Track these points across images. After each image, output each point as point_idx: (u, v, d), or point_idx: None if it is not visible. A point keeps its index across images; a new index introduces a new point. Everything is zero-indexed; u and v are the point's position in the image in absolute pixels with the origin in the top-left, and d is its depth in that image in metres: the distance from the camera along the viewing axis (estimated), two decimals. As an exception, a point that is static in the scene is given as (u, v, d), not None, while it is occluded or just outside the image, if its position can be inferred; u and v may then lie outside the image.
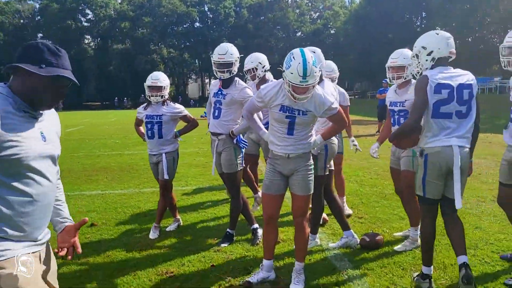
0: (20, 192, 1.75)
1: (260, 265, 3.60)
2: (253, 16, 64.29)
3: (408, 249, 4.11)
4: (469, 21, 39.56)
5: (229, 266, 3.86)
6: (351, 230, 4.33)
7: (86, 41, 69.07)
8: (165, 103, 4.79)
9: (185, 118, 4.86)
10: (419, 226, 3.91)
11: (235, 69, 4.37)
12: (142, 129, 5.01)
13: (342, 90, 5.29)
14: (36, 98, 1.81)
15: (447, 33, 3.35)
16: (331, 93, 3.64)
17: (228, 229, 4.51)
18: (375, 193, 6.40)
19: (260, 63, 4.97)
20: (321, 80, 3.85)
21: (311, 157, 3.45)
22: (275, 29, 64.44)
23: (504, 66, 3.52)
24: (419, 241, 4.08)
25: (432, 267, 3.38)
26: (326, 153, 4.05)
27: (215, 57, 4.31)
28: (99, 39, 67.73)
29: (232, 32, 63.69)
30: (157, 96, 4.69)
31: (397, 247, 4.18)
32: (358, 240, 4.27)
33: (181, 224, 5.09)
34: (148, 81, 4.71)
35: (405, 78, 4.18)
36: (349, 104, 5.34)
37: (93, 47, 68.06)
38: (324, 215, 5.03)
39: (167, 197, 4.86)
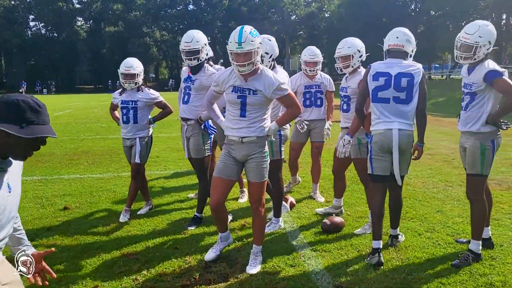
0: None
1: (218, 238, 3.77)
2: (247, -1, 63.71)
3: (368, 232, 4.25)
4: (463, 5, 39.37)
5: (191, 248, 3.98)
6: (280, 218, 4.52)
7: (79, 24, 68.30)
8: (140, 89, 4.86)
9: (159, 104, 4.94)
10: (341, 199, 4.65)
11: (203, 55, 4.41)
12: (117, 113, 5.09)
13: (327, 75, 5.60)
14: (12, 154, 1.81)
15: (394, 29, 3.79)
16: (283, 78, 3.67)
17: (195, 213, 4.63)
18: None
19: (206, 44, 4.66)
20: (273, 67, 4.12)
21: (266, 144, 3.53)
22: (270, 12, 63.89)
23: (456, 58, 3.61)
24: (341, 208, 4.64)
25: (381, 241, 3.60)
26: (280, 137, 4.28)
27: (182, 45, 4.36)
28: (91, 21, 66.90)
29: (226, 14, 63.11)
30: (130, 83, 4.76)
31: (356, 231, 4.32)
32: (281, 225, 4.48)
33: (153, 207, 5.19)
34: (122, 68, 4.76)
35: (352, 66, 4.34)
36: (333, 89, 5.56)
37: (86, 29, 67.32)
38: (291, 199, 5.16)
39: (139, 181, 4.94)
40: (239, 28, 3.30)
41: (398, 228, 3.97)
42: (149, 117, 4.94)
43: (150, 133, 4.98)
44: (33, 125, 1.75)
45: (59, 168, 7.62)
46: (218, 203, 3.54)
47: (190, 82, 4.46)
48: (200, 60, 4.39)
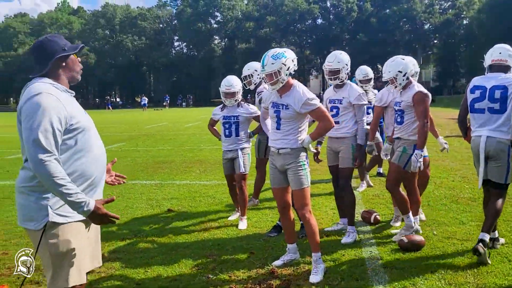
0: None
1: (286, 249, 3.99)
2: (377, 9, 62.19)
3: (402, 236, 4.30)
4: None
5: (265, 254, 4.21)
6: (353, 226, 4.63)
7: (216, 42, 73.76)
8: (240, 105, 5.21)
9: (257, 117, 5.14)
10: (411, 213, 4.42)
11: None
12: (216, 129, 5.55)
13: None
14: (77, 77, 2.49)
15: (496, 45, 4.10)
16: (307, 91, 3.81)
17: (278, 221, 4.86)
18: (448, 196, 6.13)
19: (256, 70, 5.31)
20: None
21: (302, 154, 3.74)
22: (401, 22, 61.50)
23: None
24: (415, 226, 4.45)
25: (486, 234, 3.80)
26: (354, 147, 4.58)
27: (223, 87, 5.09)
28: (226, 39, 71.82)
29: (354, 27, 62.52)
30: (231, 100, 5.14)
31: (394, 237, 4.48)
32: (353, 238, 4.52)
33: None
34: (223, 87, 5.11)
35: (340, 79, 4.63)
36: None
37: (221, 47, 72.33)
38: (376, 214, 5.09)
39: (244, 190, 5.20)
40: (265, 53, 3.70)
41: (496, 232, 4.17)
42: (249, 131, 5.29)
43: (250, 144, 5.33)
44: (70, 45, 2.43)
45: (174, 174, 8.49)
46: (282, 207, 3.90)
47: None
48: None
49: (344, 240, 4.51)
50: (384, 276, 3.64)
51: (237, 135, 5.15)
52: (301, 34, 66.91)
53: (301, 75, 67.86)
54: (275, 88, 3.68)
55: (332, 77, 4.62)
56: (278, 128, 3.76)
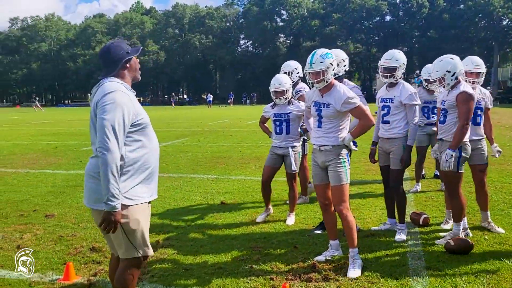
0: None
1: (329, 245, 4.13)
2: (451, 5, 59.30)
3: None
4: None
5: (308, 249, 4.33)
6: (405, 224, 4.71)
7: (281, 40, 73.99)
8: (290, 102, 5.27)
9: None
10: (461, 222, 4.35)
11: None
12: (267, 126, 5.70)
13: (486, 91, 5.10)
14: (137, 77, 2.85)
15: None
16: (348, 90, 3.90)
17: None
18: (506, 201, 5.88)
19: (296, 69, 5.69)
20: (340, 80, 4.54)
21: (343, 152, 3.86)
22: (476, 18, 58.18)
23: None
24: (464, 231, 4.46)
25: None
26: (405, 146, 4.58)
27: (272, 87, 5.12)
28: (291, 37, 71.87)
29: (425, 23, 60.10)
30: (281, 99, 5.18)
31: (438, 241, 4.45)
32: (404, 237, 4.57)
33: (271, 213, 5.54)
34: (272, 86, 5.13)
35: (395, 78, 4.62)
36: (490, 106, 5.02)
37: (286, 45, 72.44)
38: (425, 215, 5.04)
39: (294, 187, 5.36)
40: (313, 52, 3.85)
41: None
42: (299, 129, 5.30)
43: (300, 143, 5.40)
44: (133, 48, 2.81)
45: (231, 169, 8.79)
46: (324, 204, 4.04)
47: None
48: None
49: (397, 237, 4.55)
50: (425, 277, 3.64)
51: (288, 132, 5.20)
52: (368, 31, 65.34)
53: (367, 73, 66.48)
54: (319, 87, 3.80)
55: (388, 74, 4.57)
56: (319, 126, 3.91)
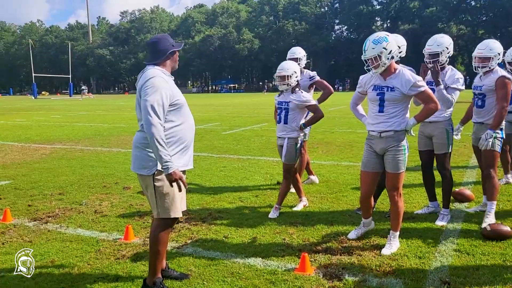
0: None
1: (361, 223, 4.29)
2: None
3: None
4: None
5: (344, 227, 4.56)
6: (448, 209, 4.74)
7: (377, 24, 71.48)
8: (294, 91, 4.94)
9: (310, 107, 4.99)
10: (495, 202, 4.50)
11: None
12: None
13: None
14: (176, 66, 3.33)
15: None
16: (415, 74, 3.84)
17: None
18: None
19: (295, 72, 4.93)
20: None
21: (404, 138, 3.84)
22: None
23: None
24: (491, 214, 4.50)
25: None
26: (449, 132, 4.59)
27: (277, 72, 4.91)
28: (388, 20, 69.04)
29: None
30: (283, 84, 4.88)
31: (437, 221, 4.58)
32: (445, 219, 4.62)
33: (307, 205, 5.40)
34: (277, 72, 4.92)
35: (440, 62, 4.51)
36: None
37: (383, 29, 69.77)
38: (469, 192, 5.05)
39: (288, 180, 5.12)
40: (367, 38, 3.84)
41: None
42: (301, 122, 4.98)
43: (301, 135, 5.02)
44: (176, 43, 3.32)
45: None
46: (367, 195, 4.08)
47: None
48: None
49: (438, 222, 4.58)
50: (448, 258, 3.70)
51: (286, 122, 4.94)
52: (475, 11, 60.46)
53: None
54: (378, 72, 3.76)
55: (432, 60, 4.52)
56: (381, 111, 3.82)
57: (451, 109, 4.59)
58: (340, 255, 3.84)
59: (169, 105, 3.07)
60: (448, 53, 4.54)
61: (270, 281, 3.37)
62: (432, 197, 4.90)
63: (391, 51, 3.68)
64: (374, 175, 4.00)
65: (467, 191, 5.39)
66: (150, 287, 3.18)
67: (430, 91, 3.79)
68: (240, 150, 9.71)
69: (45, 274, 3.57)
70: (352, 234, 4.24)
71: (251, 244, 4.15)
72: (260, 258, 3.81)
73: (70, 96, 62.84)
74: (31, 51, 67.23)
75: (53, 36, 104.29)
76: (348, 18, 69.50)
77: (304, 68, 6.08)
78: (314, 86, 6.06)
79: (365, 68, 3.83)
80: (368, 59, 3.74)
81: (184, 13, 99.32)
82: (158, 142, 2.92)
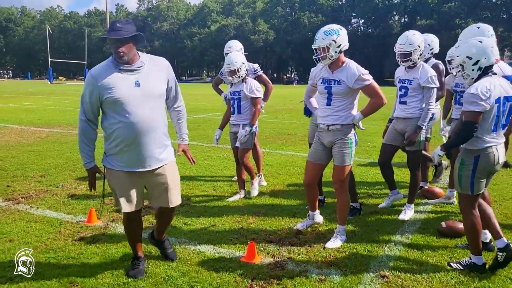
0: None
1: (307, 215, 4.34)
2: None
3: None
4: None
5: (304, 217, 4.60)
6: (412, 205, 4.74)
7: (395, 18, 70.51)
8: (245, 81, 5.14)
9: (253, 100, 5.15)
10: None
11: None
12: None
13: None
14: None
15: None
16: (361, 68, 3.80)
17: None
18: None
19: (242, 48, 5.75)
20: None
21: (351, 132, 3.84)
22: None
23: None
24: None
25: None
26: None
27: (224, 67, 5.18)
28: (406, 16, 68.06)
29: None
30: (233, 77, 5.09)
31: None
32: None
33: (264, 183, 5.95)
34: (224, 67, 5.20)
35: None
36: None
37: (399, 24, 68.85)
38: (439, 189, 5.10)
39: (241, 165, 5.38)
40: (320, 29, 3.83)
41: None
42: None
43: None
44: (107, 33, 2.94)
45: (286, 145, 9.16)
46: (308, 183, 4.11)
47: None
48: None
49: (401, 216, 4.60)
50: (396, 253, 3.71)
51: (239, 112, 5.19)
52: (495, 8, 59.22)
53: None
54: (324, 63, 3.77)
55: (404, 60, 4.48)
56: (328, 104, 3.83)
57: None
58: (291, 245, 3.88)
59: (103, 101, 2.96)
60: (420, 50, 4.49)
61: (214, 267, 3.44)
62: (391, 186, 4.89)
63: (340, 45, 3.70)
64: (319, 166, 4.04)
65: (437, 188, 5.38)
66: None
67: (376, 85, 3.75)
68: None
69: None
70: (299, 225, 4.29)
71: (207, 232, 4.22)
72: (212, 245, 3.88)
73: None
74: (47, 36, 68.02)
75: (72, 22, 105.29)
76: (365, 12, 68.69)
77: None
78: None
79: (313, 57, 3.81)
80: (317, 49, 3.74)
81: (201, 2, 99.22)
82: (79, 137, 3.07)
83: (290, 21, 75.31)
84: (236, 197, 5.34)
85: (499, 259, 3.29)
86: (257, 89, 5.13)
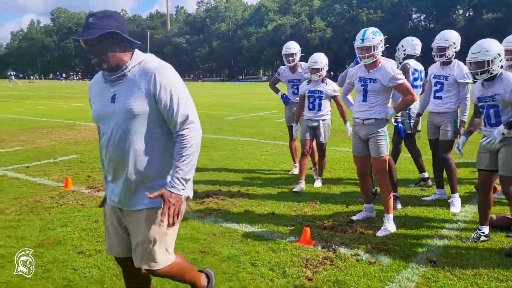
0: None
1: (363, 208, 4.62)
2: None
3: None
4: None
5: (358, 208, 4.87)
6: (457, 193, 4.89)
7: (459, 12, 67.63)
8: (324, 81, 5.71)
9: (336, 98, 5.75)
10: None
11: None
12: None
13: None
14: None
15: None
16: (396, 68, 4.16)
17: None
18: None
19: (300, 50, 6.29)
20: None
21: (385, 126, 4.21)
22: None
23: None
24: None
25: None
26: (456, 121, 4.82)
27: (309, 63, 5.65)
28: (471, 9, 65.06)
29: None
30: (315, 75, 5.59)
31: None
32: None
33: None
34: (309, 63, 5.62)
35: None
36: None
37: (464, 18, 65.95)
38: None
39: (307, 157, 5.87)
40: (363, 30, 4.17)
41: None
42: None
43: (330, 117, 5.87)
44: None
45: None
46: (361, 174, 4.47)
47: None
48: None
49: (452, 209, 4.76)
50: (445, 242, 3.91)
51: (319, 109, 5.69)
52: None
53: None
54: (367, 62, 4.10)
55: (438, 54, 4.79)
56: (364, 101, 4.22)
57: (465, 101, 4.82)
58: (344, 233, 4.18)
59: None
60: (455, 48, 4.78)
61: (272, 249, 3.81)
62: (439, 184, 5.15)
63: (383, 46, 4.10)
64: (364, 157, 4.39)
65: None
66: None
67: (408, 84, 4.12)
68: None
69: (88, 229, 4.29)
70: (354, 217, 4.58)
71: (266, 218, 4.61)
72: (270, 230, 4.26)
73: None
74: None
75: (135, 25, 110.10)
76: (426, 6, 66.46)
77: (300, 61, 6.49)
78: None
79: (359, 55, 4.14)
80: (363, 47, 4.05)
81: (258, 1, 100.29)
82: None
83: (347, 18, 74.44)
84: (300, 187, 5.69)
85: None
86: (338, 89, 5.64)
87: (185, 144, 2.14)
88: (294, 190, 5.63)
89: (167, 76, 2.15)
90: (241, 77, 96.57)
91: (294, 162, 6.72)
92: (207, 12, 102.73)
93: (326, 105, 5.73)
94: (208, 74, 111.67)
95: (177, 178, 2.13)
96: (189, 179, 2.17)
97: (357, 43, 4.10)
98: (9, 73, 56.10)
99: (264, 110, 17.79)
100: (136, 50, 2.21)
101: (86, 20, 2.08)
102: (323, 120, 5.73)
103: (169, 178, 2.17)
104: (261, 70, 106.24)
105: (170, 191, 2.13)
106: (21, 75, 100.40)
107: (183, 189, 2.15)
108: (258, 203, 5.13)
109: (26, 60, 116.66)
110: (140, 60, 2.18)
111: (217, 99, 25.61)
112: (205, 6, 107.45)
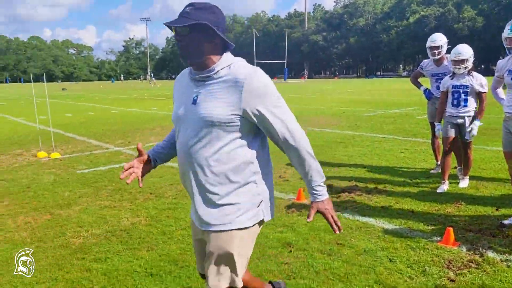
0: None
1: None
2: None
3: None
4: None
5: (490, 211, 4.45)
6: None
7: None
8: (471, 74, 5.21)
9: (481, 95, 5.23)
10: None
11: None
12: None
13: None
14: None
15: None
16: None
17: None
18: None
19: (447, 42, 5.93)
20: None
21: None
22: None
23: None
24: None
25: None
26: None
27: (452, 55, 5.20)
28: None
29: None
30: (459, 68, 5.16)
31: None
32: None
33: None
34: (452, 55, 5.19)
35: None
36: None
37: None
38: None
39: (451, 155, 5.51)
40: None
41: None
42: None
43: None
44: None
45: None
46: None
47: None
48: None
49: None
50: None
51: (465, 104, 5.25)
52: None
53: None
54: None
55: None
56: None
57: None
58: (493, 236, 3.88)
59: None
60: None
61: (410, 247, 3.72)
62: None
63: None
64: None
65: None
66: None
67: None
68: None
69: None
70: (506, 221, 4.16)
71: (405, 216, 4.48)
72: (409, 228, 4.15)
73: (285, 80, 68.19)
74: (253, 39, 75.06)
75: (274, 25, 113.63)
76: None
77: (446, 53, 6.03)
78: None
79: (506, 47, 3.88)
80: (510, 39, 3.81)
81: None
82: None
83: (503, 5, 66.61)
84: (443, 188, 5.35)
85: None
86: (486, 84, 5.19)
87: (299, 153, 1.93)
88: (437, 191, 5.33)
89: (259, 83, 1.84)
90: (379, 73, 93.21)
91: (437, 161, 6.38)
92: (345, 8, 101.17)
93: (472, 101, 5.28)
94: (345, 71, 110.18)
95: (314, 188, 1.99)
96: (324, 181, 2.01)
97: (505, 34, 3.87)
98: (149, 75, 66.54)
99: (404, 106, 17.02)
100: (228, 53, 1.95)
101: (183, 9, 1.87)
102: (468, 116, 5.31)
103: (310, 190, 2.00)
104: (400, 65, 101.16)
105: (319, 202, 2.00)
106: (173, 76, 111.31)
107: (325, 192, 2.02)
108: (396, 200, 5.01)
109: (178, 63, 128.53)
110: (229, 63, 1.90)
111: (353, 95, 25.21)
112: (343, 2, 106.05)
